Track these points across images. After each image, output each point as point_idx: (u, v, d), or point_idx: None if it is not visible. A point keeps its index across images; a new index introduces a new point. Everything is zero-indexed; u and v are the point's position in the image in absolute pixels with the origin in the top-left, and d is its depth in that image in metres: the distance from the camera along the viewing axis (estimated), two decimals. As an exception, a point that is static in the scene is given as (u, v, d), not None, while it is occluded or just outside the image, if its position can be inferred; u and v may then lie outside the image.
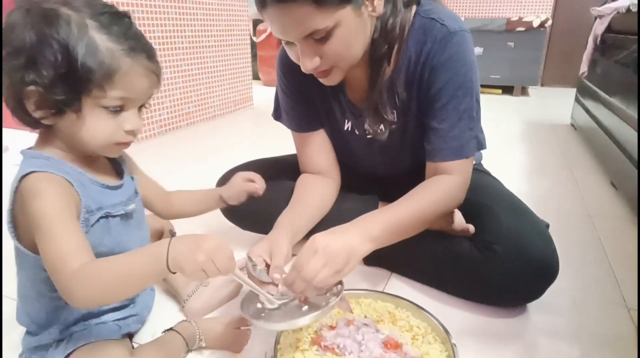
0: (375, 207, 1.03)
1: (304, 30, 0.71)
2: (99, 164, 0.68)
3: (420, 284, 0.96)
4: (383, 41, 0.81)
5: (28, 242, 0.61)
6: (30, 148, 0.63)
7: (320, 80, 0.83)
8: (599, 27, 2.09)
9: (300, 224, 0.90)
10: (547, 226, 1.22)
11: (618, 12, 1.93)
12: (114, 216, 0.66)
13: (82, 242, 0.57)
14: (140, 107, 0.64)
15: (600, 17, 2.11)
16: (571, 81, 3.77)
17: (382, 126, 0.90)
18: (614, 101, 1.71)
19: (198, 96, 2.63)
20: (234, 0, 2.83)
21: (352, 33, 0.75)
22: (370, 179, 1.08)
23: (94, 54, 0.56)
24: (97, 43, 0.56)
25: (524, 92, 3.93)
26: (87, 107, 0.58)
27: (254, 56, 4.06)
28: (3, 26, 0.56)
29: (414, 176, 0.97)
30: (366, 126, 0.90)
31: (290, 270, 0.68)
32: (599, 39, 2.11)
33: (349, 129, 0.98)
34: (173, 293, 0.90)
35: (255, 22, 4.18)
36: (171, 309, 0.88)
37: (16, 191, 0.58)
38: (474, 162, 0.89)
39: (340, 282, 0.72)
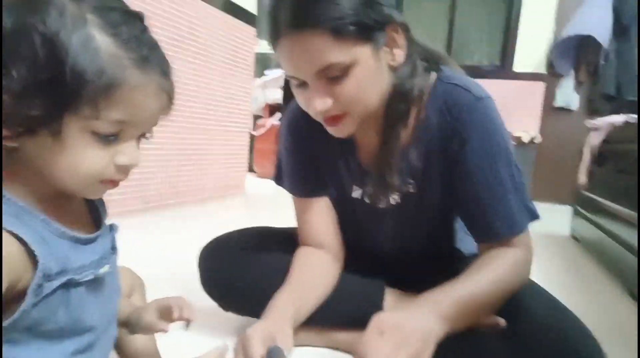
0: (382, 293, 0.88)
1: (319, 64, 0.65)
2: (72, 205, 0.50)
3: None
4: (400, 100, 0.75)
5: None
6: None
7: (329, 129, 0.75)
8: (595, 139, 2.13)
9: (300, 305, 0.76)
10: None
11: (614, 126, 1.98)
12: (77, 285, 0.46)
13: None
14: (139, 137, 0.48)
15: (595, 129, 2.16)
16: (560, 196, 3.81)
17: (388, 194, 0.82)
18: (623, 208, 1.66)
19: (190, 176, 2.57)
20: (238, 91, 2.93)
21: (368, 76, 0.69)
22: (376, 260, 0.94)
23: (92, 59, 0.40)
24: (98, 44, 0.41)
25: (516, 204, 3.94)
26: (70, 129, 0.42)
27: (251, 148, 4.11)
28: None
29: (427, 262, 0.86)
30: (367, 190, 0.81)
31: None
32: (596, 150, 2.15)
33: (358, 197, 0.87)
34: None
35: (255, 117, 4.32)
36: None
37: None
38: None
39: None
